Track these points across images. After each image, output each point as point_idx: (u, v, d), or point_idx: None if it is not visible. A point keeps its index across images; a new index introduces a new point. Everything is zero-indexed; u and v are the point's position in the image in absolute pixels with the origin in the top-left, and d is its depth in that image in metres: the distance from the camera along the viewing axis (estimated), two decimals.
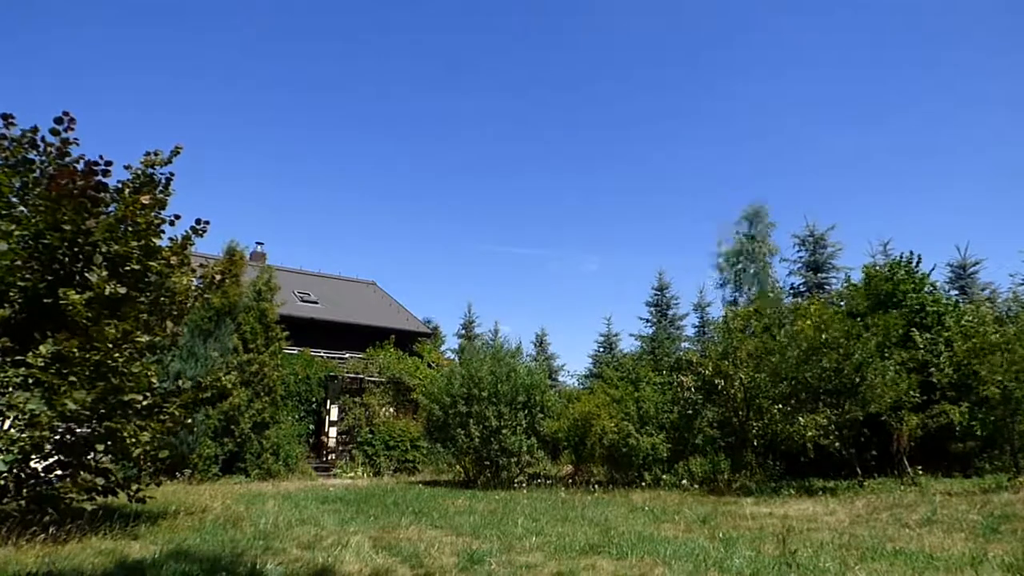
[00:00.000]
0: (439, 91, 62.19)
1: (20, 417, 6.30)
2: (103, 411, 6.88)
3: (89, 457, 7.13)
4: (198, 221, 8.22)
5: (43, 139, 7.51)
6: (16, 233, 6.85)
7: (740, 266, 26.11)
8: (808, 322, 12.97)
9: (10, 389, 6.40)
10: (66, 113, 7.58)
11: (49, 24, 50.41)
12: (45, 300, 6.91)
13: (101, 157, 7.50)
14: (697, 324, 29.02)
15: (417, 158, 66.14)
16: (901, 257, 16.88)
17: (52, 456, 6.98)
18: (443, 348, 28.57)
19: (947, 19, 50.81)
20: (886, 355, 12.96)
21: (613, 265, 62.99)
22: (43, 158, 7.52)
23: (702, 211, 62.75)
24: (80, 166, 7.45)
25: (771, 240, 26.34)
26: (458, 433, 14.76)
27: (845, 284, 18.27)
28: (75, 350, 6.47)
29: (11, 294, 6.75)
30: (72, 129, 7.61)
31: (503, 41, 61.28)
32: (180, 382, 8.21)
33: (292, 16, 57.43)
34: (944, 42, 52.23)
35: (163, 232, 7.82)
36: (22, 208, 7.20)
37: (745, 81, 56.75)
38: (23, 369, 6.41)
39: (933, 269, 16.94)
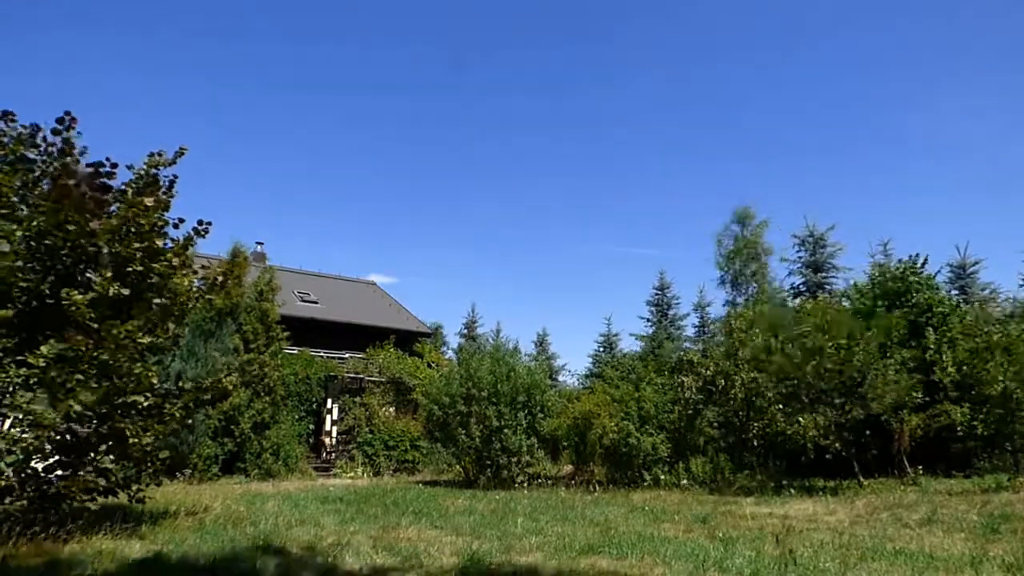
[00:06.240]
0: (441, 90, 62.26)
1: (23, 417, 6.31)
2: (105, 411, 6.89)
3: (90, 457, 7.13)
4: (200, 222, 8.20)
5: (44, 139, 7.50)
6: (18, 233, 6.85)
7: (738, 266, 26.04)
8: (811, 322, 12.95)
9: (11, 389, 6.41)
10: (67, 113, 7.57)
11: (48, 25, 50.50)
12: (48, 301, 6.91)
13: (108, 159, 7.51)
14: (697, 324, 29.04)
15: (418, 157, 66.19)
16: (909, 257, 16.85)
17: (53, 456, 6.98)
18: (444, 348, 28.59)
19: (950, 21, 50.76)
20: (888, 355, 12.95)
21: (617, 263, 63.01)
22: (45, 158, 7.51)
23: (700, 212, 62.89)
24: (84, 166, 7.45)
25: (765, 240, 26.22)
26: (459, 433, 14.76)
27: (851, 284, 18.16)
28: (83, 349, 6.46)
29: (13, 294, 6.76)
30: (73, 129, 7.60)
31: (493, 43, 61.31)
32: (181, 383, 8.21)
33: (293, 15, 57.54)
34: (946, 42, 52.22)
35: (166, 234, 7.82)
36: (24, 208, 7.20)
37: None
38: (24, 369, 6.41)
39: (939, 272, 16.99)
